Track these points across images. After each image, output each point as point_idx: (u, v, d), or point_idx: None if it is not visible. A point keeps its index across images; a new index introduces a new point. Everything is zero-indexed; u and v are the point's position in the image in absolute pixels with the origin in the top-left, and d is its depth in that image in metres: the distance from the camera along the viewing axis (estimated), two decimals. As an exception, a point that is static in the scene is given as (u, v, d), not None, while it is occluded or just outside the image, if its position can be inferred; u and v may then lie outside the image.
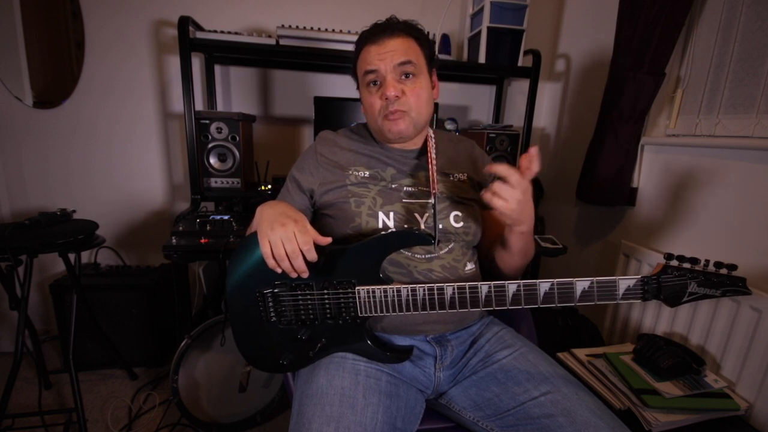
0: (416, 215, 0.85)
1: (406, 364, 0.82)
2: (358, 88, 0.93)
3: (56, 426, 1.38)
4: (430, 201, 0.86)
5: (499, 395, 0.77)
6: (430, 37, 0.97)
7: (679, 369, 1.06)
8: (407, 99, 0.84)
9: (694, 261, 0.70)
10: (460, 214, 0.87)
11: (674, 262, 0.70)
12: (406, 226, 0.84)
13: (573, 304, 0.71)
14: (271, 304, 0.77)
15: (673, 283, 0.69)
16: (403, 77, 0.84)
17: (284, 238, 0.69)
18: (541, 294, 0.71)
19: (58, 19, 1.65)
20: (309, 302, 0.77)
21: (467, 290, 0.72)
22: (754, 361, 1.03)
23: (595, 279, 0.70)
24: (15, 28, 1.59)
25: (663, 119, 1.46)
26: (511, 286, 0.71)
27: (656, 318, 1.31)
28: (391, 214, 0.84)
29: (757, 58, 1.15)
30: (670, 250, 1.34)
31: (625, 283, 0.70)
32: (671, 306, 0.70)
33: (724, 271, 0.69)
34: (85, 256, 1.80)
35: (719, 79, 1.26)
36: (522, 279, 0.74)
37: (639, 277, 0.70)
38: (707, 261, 0.70)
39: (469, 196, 0.91)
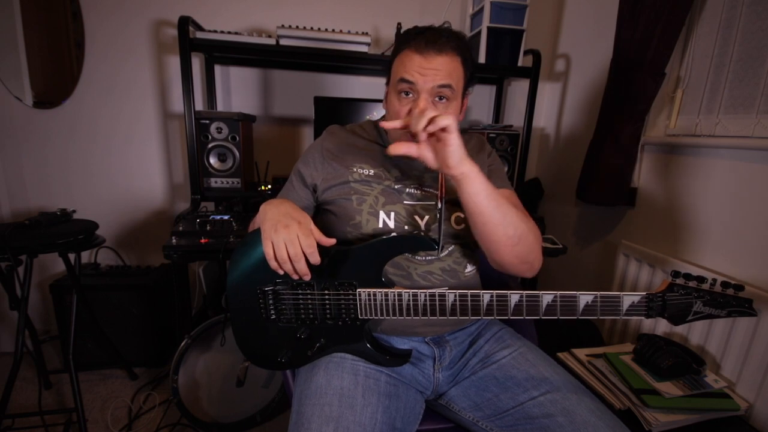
0: (416, 218, 0.85)
1: (405, 365, 0.82)
2: (387, 83, 0.88)
3: (56, 426, 1.38)
4: (432, 203, 0.85)
5: (499, 395, 0.78)
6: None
7: (679, 369, 1.06)
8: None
9: (700, 279, 0.68)
10: (462, 215, 0.86)
11: (680, 280, 0.69)
12: (407, 227, 0.84)
13: (575, 317, 0.70)
14: (271, 301, 0.77)
15: (679, 302, 0.68)
16: (437, 99, 0.80)
17: (287, 241, 0.69)
18: (544, 306, 0.70)
19: (58, 19, 1.65)
20: (309, 302, 0.77)
21: (469, 298, 0.72)
22: (754, 361, 1.03)
23: (599, 293, 0.68)
24: (15, 28, 1.59)
25: (663, 119, 1.46)
26: (514, 296, 0.71)
27: (656, 318, 1.31)
28: (392, 215, 0.83)
29: (757, 58, 1.15)
30: (670, 249, 1.34)
31: (629, 299, 0.68)
32: (675, 324, 0.69)
33: (731, 291, 0.68)
34: (85, 256, 1.80)
35: (719, 79, 1.26)
36: (522, 288, 0.73)
37: (644, 294, 0.68)
38: (714, 280, 0.69)
39: None
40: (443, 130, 0.65)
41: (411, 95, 0.80)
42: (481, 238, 0.78)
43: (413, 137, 0.69)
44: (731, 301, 0.67)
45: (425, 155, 0.70)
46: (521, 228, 0.75)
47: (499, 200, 0.73)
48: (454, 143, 0.67)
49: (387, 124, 0.73)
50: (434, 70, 0.77)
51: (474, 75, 0.86)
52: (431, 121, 0.66)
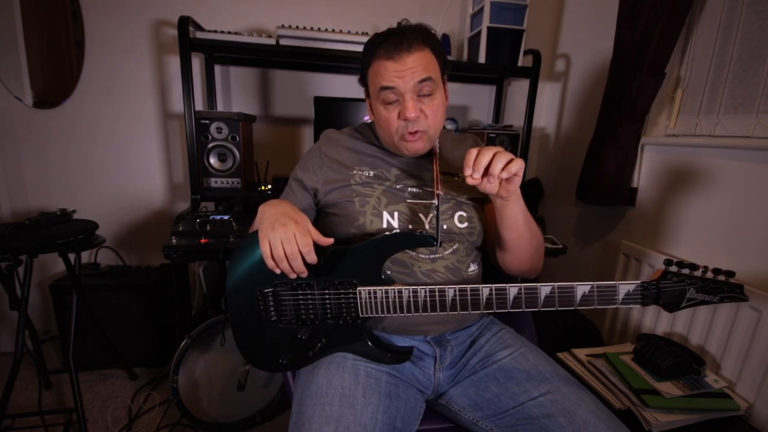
0: (420, 215, 0.85)
1: (406, 364, 0.82)
2: (367, 96, 0.90)
3: (56, 426, 1.38)
4: (433, 202, 0.85)
5: (499, 395, 0.78)
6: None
7: (679, 369, 1.06)
8: (426, 119, 0.82)
9: (693, 267, 0.70)
10: (464, 214, 0.87)
11: (674, 268, 0.70)
12: (410, 226, 0.84)
13: (573, 308, 0.71)
14: (271, 303, 0.77)
15: (672, 289, 0.70)
16: (422, 95, 0.82)
17: (284, 240, 0.69)
18: (542, 297, 0.71)
19: (58, 19, 1.65)
20: (310, 302, 0.77)
21: (468, 292, 0.72)
22: (754, 361, 1.03)
23: (595, 284, 0.70)
24: (15, 28, 1.59)
25: (663, 119, 1.46)
26: (512, 289, 0.71)
27: (656, 318, 1.31)
28: (396, 214, 0.84)
29: (757, 58, 1.15)
30: (670, 249, 1.34)
31: (625, 288, 0.70)
32: (670, 311, 0.71)
33: (722, 277, 0.70)
34: (85, 256, 1.80)
35: (719, 79, 1.26)
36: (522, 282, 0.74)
37: (639, 282, 0.70)
38: (706, 267, 0.70)
39: (474, 196, 0.91)
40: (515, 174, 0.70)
41: (396, 101, 0.82)
42: (508, 248, 0.84)
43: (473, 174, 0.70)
44: (723, 287, 0.69)
45: (487, 187, 0.72)
46: (540, 239, 0.85)
47: (529, 216, 0.80)
48: (520, 179, 0.71)
49: (470, 181, 0.71)
50: (410, 69, 0.79)
51: (447, 60, 0.87)
52: (505, 167, 0.68)
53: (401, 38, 0.80)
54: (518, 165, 0.69)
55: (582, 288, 0.70)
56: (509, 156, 0.69)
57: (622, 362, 1.13)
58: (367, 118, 1.68)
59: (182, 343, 1.28)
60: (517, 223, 0.78)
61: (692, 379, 1.06)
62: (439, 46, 0.85)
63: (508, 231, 0.80)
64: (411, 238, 0.77)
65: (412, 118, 0.80)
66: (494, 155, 0.68)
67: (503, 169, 0.68)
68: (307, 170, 0.91)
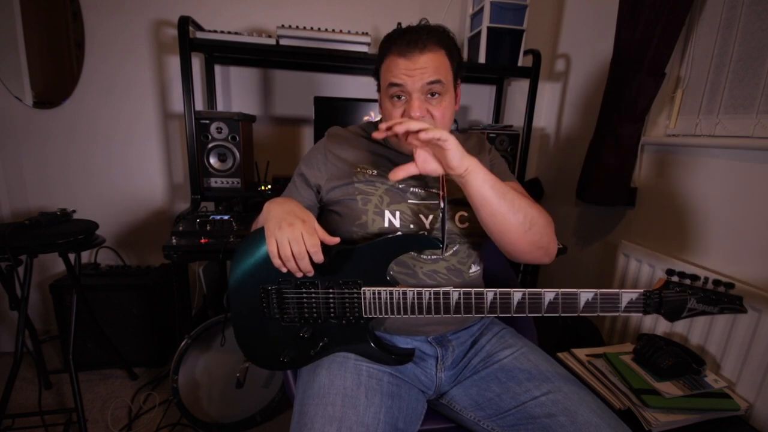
0: (421, 216, 0.85)
1: (408, 364, 0.82)
2: (378, 90, 0.90)
3: (56, 426, 1.38)
4: (436, 203, 0.85)
5: (500, 395, 0.78)
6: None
7: (679, 369, 1.06)
8: (432, 119, 0.82)
9: (694, 278, 0.71)
10: (465, 214, 0.87)
11: (675, 278, 0.71)
12: (412, 226, 0.84)
13: (576, 314, 0.71)
14: (274, 300, 0.77)
15: (674, 299, 0.70)
16: (429, 95, 0.81)
17: (291, 239, 0.69)
18: (546, 303, 0.71)
19: (58, 19, 1.64)
20: (313, 301, 0.77)
21: (473, 296, 0.72)
22: (754, 361, 1.04)
23: (599, 291, 0.70)
24: (15, 28, 1.59)
25: (663, 119, 1.46)
26: (516, 294, 0.72)
27: (656, 318, 1.32)
28: (398, 214, 0.84)
29: (757, 58, 1.15)
30: (670, 249, 1.34)
31: (628, 296, 0.70)
32: (671, 320, 0.71)
33: (722, 289, 0.71)
34: (85, 256, 1.80)
35: (719, 79, 1.26)
36: (523, 285, 0.73)
37: (642, 291, 0.70)
38: (706, 278, 0.71)
39: None
40: (437, 139, 0.67)
41: (403, 98, 0.82)
42: (492, 230, 0.77)
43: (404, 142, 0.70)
44: (723, 298, 0.70)
45: (427, 169, 0.71)
46: (531, 213, 0.76)
47: (504, 189, 0.74)
48: (452, 145, 0.68)
49: (376, 134, 0.71)
50: (420, 69, 0.78)
51: (462, 63, 0.87)
52: (421, 131, 0.66)
53: (417, 37, 0.79)
54: (435, 133, 0.66)
55: (585, 295, 0.70)
56: (424, 125, 0.67)
57: (622, 362, 1.13)
58: (367, 119, 1.68)
59: (182, 343, 1.28)
60: (485, 197, 0.72)
61: (692, 379, 1.06)
62: (455, 49, 0.84)
63: (482, 209, 0.75)
64: (417, 240, 0.77)
65: (416, 117, 0.80)
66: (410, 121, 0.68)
67: (416, 134, 0.66)
68: (311, 166, 0.91)
